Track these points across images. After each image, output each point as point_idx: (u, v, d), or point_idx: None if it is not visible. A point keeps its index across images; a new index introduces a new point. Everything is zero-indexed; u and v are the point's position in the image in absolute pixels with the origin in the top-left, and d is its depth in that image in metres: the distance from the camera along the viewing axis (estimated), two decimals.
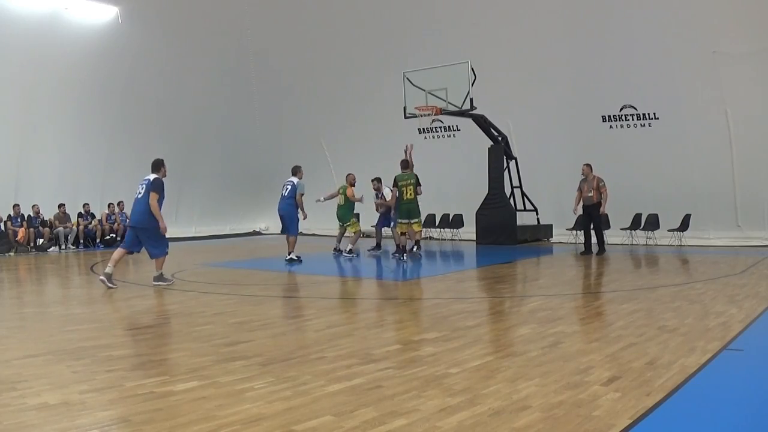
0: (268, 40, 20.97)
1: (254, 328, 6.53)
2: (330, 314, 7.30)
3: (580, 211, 13.80)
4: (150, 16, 18.97)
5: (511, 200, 16.73)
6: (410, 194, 12.49)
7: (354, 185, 14.02)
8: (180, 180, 21.71)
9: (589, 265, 12.30)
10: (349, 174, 14.16)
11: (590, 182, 13.39)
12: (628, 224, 15.87)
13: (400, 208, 12.73)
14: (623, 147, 15.77)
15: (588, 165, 13.52)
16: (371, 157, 18.45)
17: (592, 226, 13.69)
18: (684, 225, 15.19)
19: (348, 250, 13.77)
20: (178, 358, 5.18)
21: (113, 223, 18.92)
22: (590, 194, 13.35)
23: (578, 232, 16.39)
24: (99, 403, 4.06)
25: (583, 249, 13.80)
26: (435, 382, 4.38)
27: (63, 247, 17.68)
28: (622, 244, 15.85)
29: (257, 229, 24.39)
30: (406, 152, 13.29)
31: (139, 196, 9.26)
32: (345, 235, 14.50)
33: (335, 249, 14.40)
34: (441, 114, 16.35)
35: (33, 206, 17.59)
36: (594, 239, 13.72)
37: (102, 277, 9.31)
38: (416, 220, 12.82)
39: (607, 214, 14.24)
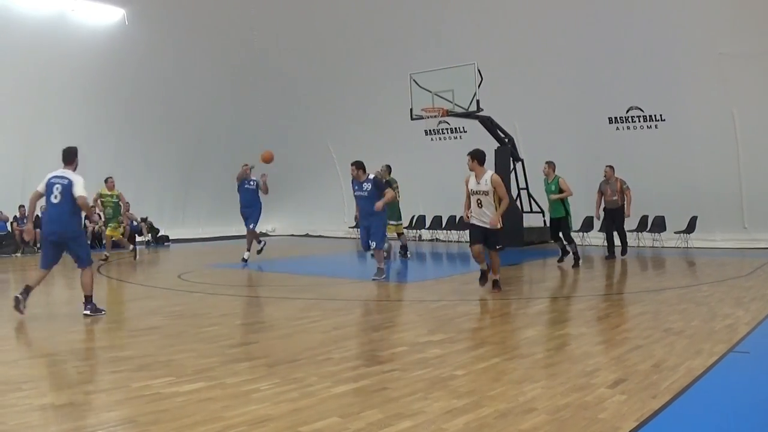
0: (275, 42, 20.99)
1: (260, 329, 6.54)
2: (336, 316, 7.30)
3: (602, 215, 13.47)
4: (156, 18, 18.99)
5: (518, 202, 16.68)
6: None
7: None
8: (186, 181, 21.83)
9: (596, 267, 12.26)
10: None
11: (613, 185, 13.05)
12: (635, 226, 15.80)
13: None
14: (630, 148, 15.71)
15: (610, 167, 13.17)
16: (379, 158, 18.40)
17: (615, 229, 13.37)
18: (690, 227, 15.13)
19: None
20: (184, 359, 5.19)
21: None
22: (614, 197, 12.99)
23: (583, 233, 16.41)
24: (105, 404, 4.08)
25: (607, 253, 13.38)
26: (441, 384, 4.38)
27: None
28: (629, 246, 15.75)
29: (264, 231, 24.38)
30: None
31: None
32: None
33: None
34: (447, 115, 16.30)
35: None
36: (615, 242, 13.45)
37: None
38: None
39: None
